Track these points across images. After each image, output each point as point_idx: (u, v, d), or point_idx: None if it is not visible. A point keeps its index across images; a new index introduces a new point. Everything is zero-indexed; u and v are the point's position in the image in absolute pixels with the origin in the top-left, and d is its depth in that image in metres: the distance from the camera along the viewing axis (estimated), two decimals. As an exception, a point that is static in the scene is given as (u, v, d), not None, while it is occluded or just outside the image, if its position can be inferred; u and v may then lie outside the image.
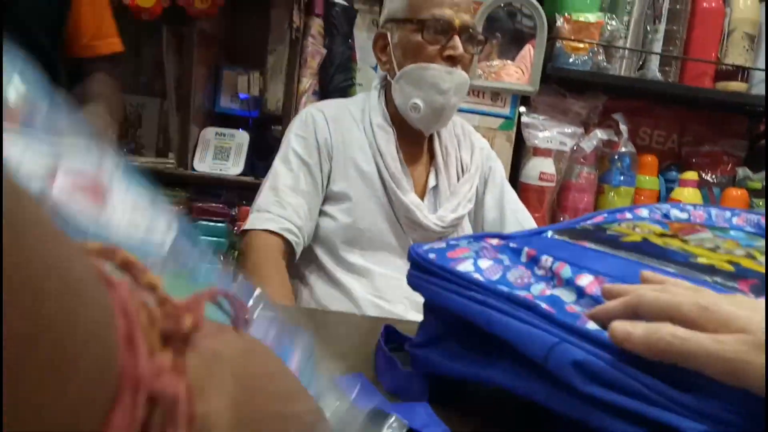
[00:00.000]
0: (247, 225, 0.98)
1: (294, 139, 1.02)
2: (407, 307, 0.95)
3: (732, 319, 0.27)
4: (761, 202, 1.70)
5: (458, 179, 1.07)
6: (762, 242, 0.51)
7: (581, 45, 1.56)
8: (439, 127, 1.04)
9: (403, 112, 1.02)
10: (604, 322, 0.31)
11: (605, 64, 1.60)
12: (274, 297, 0.91)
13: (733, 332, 0.26)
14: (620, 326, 0.29)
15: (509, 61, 1.62)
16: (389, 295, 0.96)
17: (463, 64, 0.98)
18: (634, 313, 0.30)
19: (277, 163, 1.03)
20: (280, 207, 0.97)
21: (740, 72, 1.65)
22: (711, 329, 0.27)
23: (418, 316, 0.48)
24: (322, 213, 1.01)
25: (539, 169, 1.58)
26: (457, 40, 0.96)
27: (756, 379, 0.25)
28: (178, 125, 1.59)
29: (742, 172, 1.75)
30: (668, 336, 0.27)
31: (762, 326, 0.26)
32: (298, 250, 0.98)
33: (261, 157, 1.54)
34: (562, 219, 1.66)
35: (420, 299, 0.44)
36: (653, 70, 1.62)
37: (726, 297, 0.30)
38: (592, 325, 0.32)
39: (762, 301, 0.29)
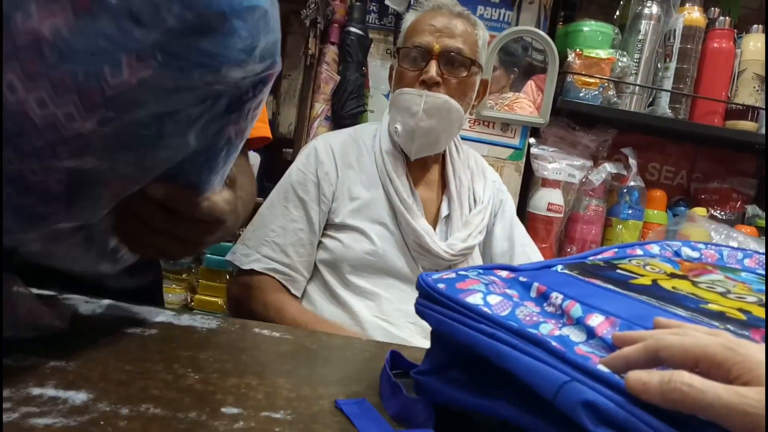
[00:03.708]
0: (237, 261, 1.01)
1: (295, 173, 1.05)
2: (413, 332, 0.95)
3: (757, 366, 0.26)
4: (770, 242, 1.69)
5: (470, 210, 1.07)
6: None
7: (592, 80, 1.57)
8: (424, 152, 1.04)
9: (392, 136, 1.04)
10: (621, 369, 0.30)
11: (615, 99, 1.61)
12: (301, 320, 0.92)
13: (755, 383, 0.26)
14: (635, 376, 0.29)
15: (521, 94, 1.64)
16: (395, 319, 0.96)
17: (447, 89, 0.99)
18: (656, 358, 0.30)
19: (277, 197, 1.05)
20: (270, 248, 0.99)
21: (750, 111, 1.65)
22: (735, 373, 0.27)
23: (424, 342, 0.48)
24: (328, 237, 1.02)
25: (547, 199, 1.58)
26: (431, 65, 0.98)
27: None
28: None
29: (751, 209, 1.75)
30: (684, 386, 0.27)
31: None
32: (293, 286, 1.00)
33: (271, 179, 1.54)
34: (569, 250, 1.65)
35: (426, 325, 0.44)
36: (663, 106, 1.64)
37: (748, 342, 0.29)
38: (602, 367, 0.31)
39: None
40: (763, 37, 1.66)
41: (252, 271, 0.99)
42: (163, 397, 0.41)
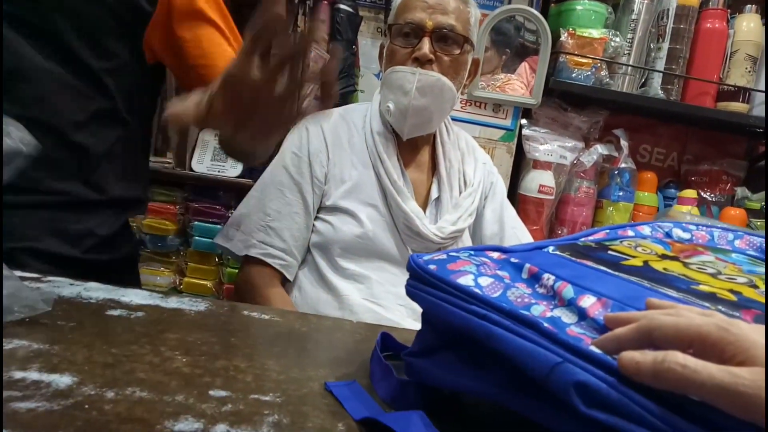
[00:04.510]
0: (234, 248, 1.00)
1: (288, 156, 1.02)
2: (404, 315, 0.95)
3: (752, 346, 0.26)
4: (759, 222, 1.70)
5: (460, 192, 1.07)
6: (765, 269, 0.50)
7: (584, 60, 1.56)
8: (417, 132, 1.02)
9: (384, 116, 1.02)
10: (614, 350, 0.30)
11: (608, 80, 1.60)
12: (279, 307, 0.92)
13: (749, 362, 0.26)
14: (628, 356, 0.28)
15: (513, 75, 1.63)
16: (385, 301, 0.96)
17: (441, 66, 0.98)
18: (649, 338, 0.29)
19: (270, 179, 1.03)
20: (265, 233, 0.98)
21: (741, 93, 1.65)
22: (729, 353, 0.26)
23: (415, 324, 0.48)
24: (319, 219, 1.01)
25: (539, 181, 1.58)
26: (424, 42, 0.96)
27: None
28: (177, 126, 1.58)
29: (740, 192, 1.76)
30: (677, 366, 0.26)
31: None
32: (288, 270, 1.00)
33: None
34: (560, 232, 1.65)
35: (417, 307, 0.44)
36: (655, 87, 1.63)
37: (742, 322, 0.29)
38: (594, 348, 0.31)
39: None
40: (756, 17, 1.65)
41: (248, 257, 0.98)
42: (150, 380, 0.40)
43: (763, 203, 1.72)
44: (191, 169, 1.57)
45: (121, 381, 0.39)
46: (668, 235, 0.64)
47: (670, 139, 1.87)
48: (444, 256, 0.45)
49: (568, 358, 0.30)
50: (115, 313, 0.54)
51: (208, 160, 1.57)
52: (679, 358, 0.27)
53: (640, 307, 0.37)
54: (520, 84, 1.61)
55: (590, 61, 1.56)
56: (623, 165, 1.66)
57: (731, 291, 0.42)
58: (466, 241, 1.07)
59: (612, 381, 0.28)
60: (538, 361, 0.31)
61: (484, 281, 0.41)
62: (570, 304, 0.39)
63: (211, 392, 0.40)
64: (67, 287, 0.60)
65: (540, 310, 0.38)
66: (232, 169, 1.55)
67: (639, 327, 0.30)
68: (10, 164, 0.48)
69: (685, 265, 0.50)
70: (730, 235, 0.63)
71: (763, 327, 0.29)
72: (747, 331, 0.27)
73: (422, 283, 0.42)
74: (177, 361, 0.45)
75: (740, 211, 1.68)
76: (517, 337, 0.33)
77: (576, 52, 1.56)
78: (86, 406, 0.35)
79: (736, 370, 0.26)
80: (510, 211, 1.16)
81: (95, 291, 0.59)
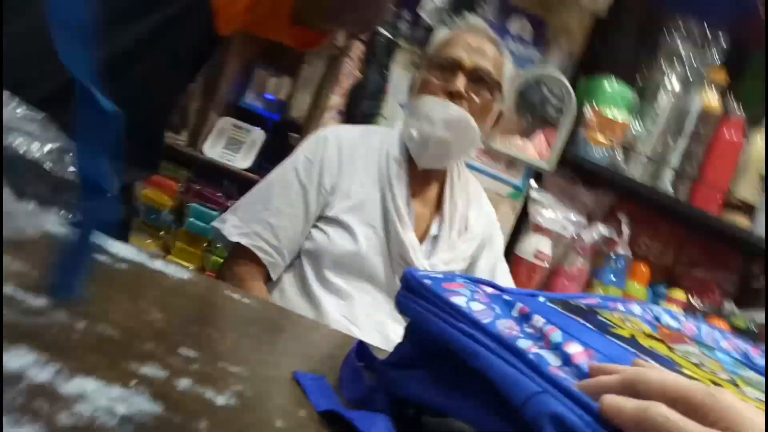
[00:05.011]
0: (225, 231, 0.99)
1: (301, 159, 1.03)
2: (377, 341, 0.93)
3: (736, 416, 0.26)
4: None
5: (459, 235, 1.07)
6: (747, 373, 0.50)
7: (604, 141, 1.59)
8: (433, 164, 1.03)
9: (406, 143, 1.03)
10: (596, 395, 0.29)
11: (622, 164, 1.63)
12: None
13: (732, 431, 0.25)
14: (611, 399, 0.28)
15: (529, 142, 1.65)
16: (362, 322, 0.95)
17: (470, 107, 0.99)
18: (633, 390, 0.29)
19: (278, 178, 1.03)
20: (262, 227, 0.98)
21: (747, 209, 1.67)
22: (712, 418, 0.26)
23: (386, 354, 0.47)
24: (317, 228, 1.01)
25: (536, 246, 1.58)
26: (459, 77, 0.98)
27: None
28: (198, 107, 1.59)
29: (729, 306, 1.77)
30: (660, 417, 0.26)
31: None
32: (274, 269, 0.99)
33: (271, 160, 1.53)
34: (544, 301, 1.65)
35: (392, 335, 0.43)
36: (666, 182, 1.65)
37: (729, 392, 0.29)
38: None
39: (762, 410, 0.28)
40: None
41: (237, 246, 0.98)
42: (122, 324, 0.39)
43: (748, 322, 1.73)
44: (201, 152, 1.57)
45: (94, 316, 0.39)
46: (657, 318, 0.64)
47: (669, 237, 1.89)
48: (440, 275, 0.45)
49: (548, 390, 0.30)
50: (100, 258, 0.54)
51: (220, 147, 1.57)
52: (663, 410, 0.26)
53: (625, 365, 0.37)
54: (535, 153, 1.64)
55: (610, 143, 1.59)
56: (620, 251, 1.67)
57: (713, 382, 0.42)
58: (456, 284, 1.07)
59: (589, 420, 0.28)
60: (518, 387, 0.31)
61: (476, 306, 0.41)
62: (556, 348, 0.38)
63: (181, 350, 0.39)
64: (56, 224, 0.59)
65: (526, 345, 0.37)
66: (242, 161, 1.56)
67: (624, 378, 0.30)
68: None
69: (670, 349, 0.50)
70: (717, 334, 0.63)
71: (750, 404, 0.29)
72: (735, 402, 0.27)
73: (414, 294, 0.42)
74: (152, 315, 0.44)
75: (724, 324, 1.68)
76: (501, 360, 0.33)
77: (596, 130, 1.59)
78: (55, 329, 0.34)
79: None
80: (503, 267, 1.16)
81: (84, 234, 0.59)
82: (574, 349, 0.38)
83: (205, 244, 1.55)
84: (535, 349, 0.38)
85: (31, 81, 0.54)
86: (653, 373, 0.30)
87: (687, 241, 1.89)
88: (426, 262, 1.01)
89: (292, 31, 0.77)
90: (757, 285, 1.88)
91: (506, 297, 0.47)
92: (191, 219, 1.50)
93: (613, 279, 1.66)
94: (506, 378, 0.32)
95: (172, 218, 1.57)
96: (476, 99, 1.00)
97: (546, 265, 1.60)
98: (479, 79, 1.00)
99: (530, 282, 1.58)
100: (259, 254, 0.97)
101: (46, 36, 0.34)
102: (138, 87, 0.81)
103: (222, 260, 1.47)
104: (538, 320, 0.42)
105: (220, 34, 0.82)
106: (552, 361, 0.37)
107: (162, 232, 1.57)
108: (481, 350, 0.34)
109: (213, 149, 1.57)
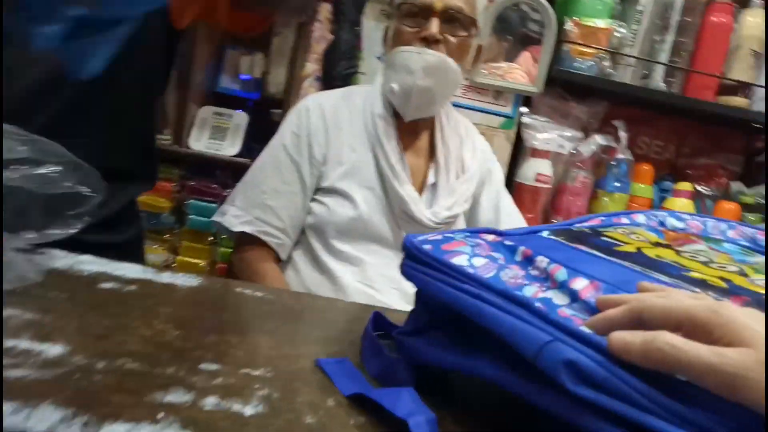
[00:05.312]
0: (227, 223, 0.99)
1: (287, 135, 1.02)
2: (396, 298, 0.95)
3: (740, 328, 0.26)
4: (753, 217, 1.71)
5: (457, 178, 1.07)
6: (756, 258, 0.51)
7: (588, 50, 1.55)
8: (419, 113, 1.02)
9: (388, 97, 1.02)
10: (605, 331, 0.30)
11: (610, 70, 1.60)
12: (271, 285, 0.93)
13: (737, 344, 0.26)
14: (618, 336, 0.28)
15: (514, 65, 1.62)
16: (379, 284, 0.96)
17: (447, 48, 0.97)
18: (639, 320, 0.30)
19: (268, 158, 1.02)
20: (262, 211, 0.98)
21: (743, 88, 1.65)
22: (717, 335, 0.27)
23: (407, 308, 0.48)
24: (315, 201, 1.01)
25: (536, 170, 1.57)
26: (432, 22, 0.96)
27: (754, 395, 0.24)
28: (175, 102, 1.57)
29: (735, 186, 1.76)
30: (666, 346, 0.27)
31: None
32: (282, 249, 1.00)
33: (258, 140, 1.52)
34: (555, 221, 1.65)
35: (410, 290, 0.44)
36: (657, 80, 1.62)
37: (731, 304, 0.29)
38: (584, 328, 0.31)
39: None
40: (761, 12, 1.64)
41: (243, 235, 0.98)
42: (141, 352, 0.40)
43: (757, 198, 1.73)
44: (188, 147, 1.56)
45: (112, 352, 0.39)
46: (662, 223, 0.64)
47: (668, 132, 1.87)
48: (439, 237, 0.45)
49: (558, 337, 0.30)
50: (108, 285, 0.54)
51: (205, 138, 1.56)
52: (668, 338, 0.27)
53: (631, 290, 0.37)
54: (522, 74, 1.60)
55: (594, 51, 1.55)
56: (621, 156, 1.66)
57: (722, 278, 0.43)
58: (461, 227, 1.08)
59: (601, 360, 0.29)
60: (529, 340, 0.31)
61: (477, 261, 0.41)
62: (562, 286, 0.39)
63: (202, 366, 0.40)
64: (59, 259, 0.59)
65: (532, 291, 0.38)
66: (230, 148, 1.55)
67: (630, 308, 0.31)
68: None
69: (678, 253, 0.50)
70: (723, 225, 0.63)
71: (752, 311, 0.30)
72: (736, 313, 0.28)
73: (417, 263, 0.42)
74: (168, 334, 0.45)
75: (735, 205, 1.69)
76: (509, 315, 0.33)
77: (580, 42, 1.55)
78: (76, 376, 0.35)
79: (724, 351, 0.26)
80: (506, 198, 1.16)
81: (88, 264, 0.59)
82: (580, 284, 0.38)
83: (210, 238, 1.56)
84: (541, 293, 0.38)
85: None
86: (655, 300, 0.30)
87: (686, 132, 1.87)
88: (428, 211, 1.01)
89: (233, 16, 0.79)
90: (760, 159, 1.87)
91: (508, 242, 0.47)
92: (192, 216, 1.51)
93: (617, 185, 1.66)
94: (516, 332, 0.32)
95: (173, 219, 1.57)
96: (452, 39, 0.97)
97: (549, 186, 1.59)
98: (452, 18, 0.97)
99: (536, 206, 1.58)
100: (265, 239, 0.98)
101: None
102: (120, 106, 0.81)
103: (230, 250, 1.49)
104: (542, 261, 0.42)
105: (178, 27, 0.81)
106: (560, 301, 0.37)
107: (167, 235, 1.58)
108: (487, 308, 0.34)
109: (199, 142, 1.56)
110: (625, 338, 0.28)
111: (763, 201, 1.71)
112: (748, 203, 1.72)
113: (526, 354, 0.31)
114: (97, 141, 0.79)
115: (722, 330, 0.27)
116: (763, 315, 0.29)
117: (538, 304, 0.34)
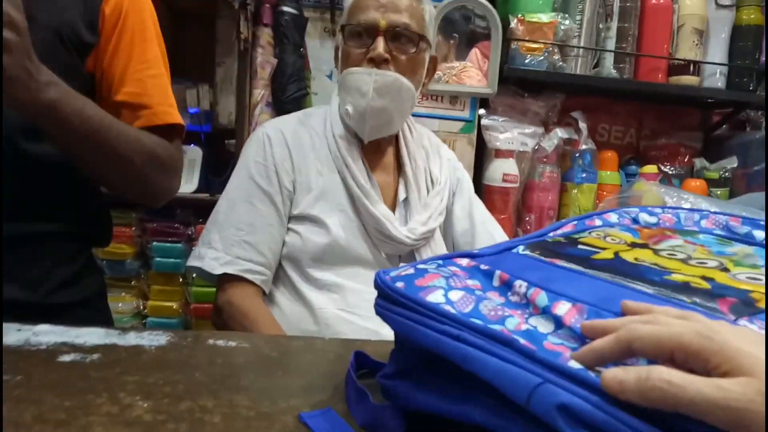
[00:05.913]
0: (207, 267, 0.94)
1: (252, 166, 0.98)
2: (382, 322, 0.92)
3: (737, 355, 0.25)
4: (720, 191, 1.73)
5: (428, 192, 1.05)
6: (733, 248, 0.50)
7: (536, 45, 1.56)
8: (378, 133, 1.00)
9: (344, 119, 1.00)
10: (594, 363, 0.28)
11: (561, 63, 1.61)
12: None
13: (736, 373, 0.24)
14: (611, 375, 0.27)
15: (468, 63, 1.62)
16: (362, 310, 0.93)
17: (397, 66, 0.95)
18: (629, 350, 0.28)
19: (237, 193, 0.98)
20: (242, 249, 0.94)
21: (691, 66, 1.68)
22: (714, 363, 0.25)
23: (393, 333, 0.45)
24: (288, 230, 0.98)
25: (502, 170, 1.57)
26: (378, 42, 0.94)
27: (761, 429, 0.23)
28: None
29: (699, 163, 1.79)
30: (663, 383, 0.25)
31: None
32: (267, 285, 0.96)
33: (215, 173, 1.48)
34: (527, 219, 1.65)
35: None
36: (608, 67, 1.64)
37: (722, 325, 0.28)
38: (574, 364, 0.29)
39: (760, 334, 0.27)
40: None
41: (225, 275, 0.94)
42: (106, 438, 0.37)
43: (721, 172, 1.76)
44: (146, 188, 1.51)
45: (74, 443, 0.36)
46: (635, 221, 0.63)
47: (626, 117, 1.90)
48: (412, 271, 0.43)
49: (548, 378, 0.29)
50: (68, 358, 0.51)
51: (163, 177, 1.51)
52: (664, 375, 0.25)
53: (615, 309, 0.36)
54: (476, 71, 1.60)
55: (542, 45, 1.56)
56: (584, 146, 1.67)
57: (704, 278, 0.42)
58: (438, 240, 1.06)
59: (596, 401, 0.27)
60: (518, 384, 0.29)
61: (454, 295, 0.39)
62: (545, 312, 0.37)
63: (175, 443, 0.37)
64: (13, 333, 0.55)
65: (515, 322, 0.36)
66: (188, 184, 1.50)
67: (618, 338, 0.29)
68: None
69: (655, 252, 0.49)
70: (696, 216, 0.63)
71: (741, 329, 0.28)
72: (728, 336, 0.26)
73: (391, 302, 0.40)
74: (137, 408, 0.42)
75: (700, 182, 1.71)
76: (494, 357, 0.31)
77: (527, 38, 1.56)
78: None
79: (724, 383, 0.24)
80: (479, 206, 1.15)
81: (45, 335, 0.56)
82: (562, 309, 0.37)
83: (180, 279, 1.51)
84: (524, 323, 0.36)
85: None
86: (645, 329, 0.28)
87: (643, 115, 1.90)
88: (404, 229, 0.99)
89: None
90: (719, 132, 1.90)
91: (483, 266, 0.45)
92: (157, 258, 1.46)
93: (584, 175, 1.67)
94: (503, 376, 0.30)
95: (138, 264, 1.52)
96: (401, 57, 0.95)
97: (516, 185, 1.59)
98: (399, 36, 0.95)
99: (507, 206, 1.58)
100: (250, 277, 0.93)
101: None
102: (60, 176, 0.78)
103: (203, 289, 1.45)
104: (521, 285, 0.40)
105: None
106: (545, 329, 0.36)
107: (133, 282, 1.52)
108: (471, 351, 0.32)
109: (156, 181, 1.51)
110: (617, 376, 0.26)
111: (728, 175, 1.74)
112: (714, 178, 1.75)
113: (517, 399, 0.29)
114: (47, 207, 0.76)
115: (718, 358, 0.25)
116: (753, 335, 0.27)
117: (523, 341, 0.32)
